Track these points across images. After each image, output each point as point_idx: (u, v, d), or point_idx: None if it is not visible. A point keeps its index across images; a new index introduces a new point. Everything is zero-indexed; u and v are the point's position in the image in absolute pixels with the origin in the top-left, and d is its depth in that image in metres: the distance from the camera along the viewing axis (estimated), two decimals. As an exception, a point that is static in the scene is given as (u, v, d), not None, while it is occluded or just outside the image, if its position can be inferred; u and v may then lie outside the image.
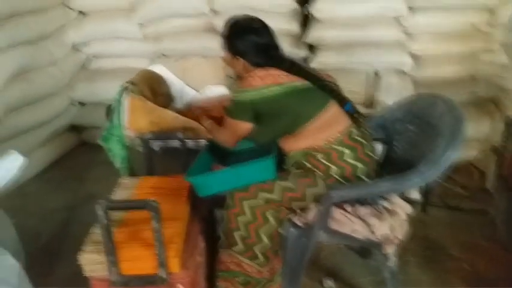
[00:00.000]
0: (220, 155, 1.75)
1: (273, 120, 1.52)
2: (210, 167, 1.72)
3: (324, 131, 1.49)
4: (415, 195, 1.87)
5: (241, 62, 1.58)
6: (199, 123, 1.87)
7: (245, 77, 1.53)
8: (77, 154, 3.12)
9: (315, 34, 2.70)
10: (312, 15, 2.71)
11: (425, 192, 2.17)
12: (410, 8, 2.55)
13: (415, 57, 2.63)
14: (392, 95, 2.39)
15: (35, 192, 2.60)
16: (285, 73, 1.50)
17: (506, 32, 2.15)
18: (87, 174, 2.81)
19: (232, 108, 1.57)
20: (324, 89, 1.52)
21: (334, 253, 1.98)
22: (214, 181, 1.54)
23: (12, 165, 1.34)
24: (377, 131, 1.65)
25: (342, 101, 1.55)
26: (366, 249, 1.93)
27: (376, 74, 2.62)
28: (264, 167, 1.49)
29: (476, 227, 2.16)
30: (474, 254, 1.97)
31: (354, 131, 1.52)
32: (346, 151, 1.48)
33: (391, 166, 1.63)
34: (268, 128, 1.55)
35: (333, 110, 1.52)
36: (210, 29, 2.81)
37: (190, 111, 2.00)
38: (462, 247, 2.02)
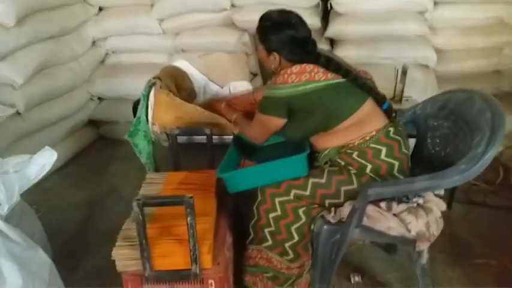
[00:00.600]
0: (247, 150, 1.74)
1: (306, 117, 1.50)
2: (238, 162, 1.72)
3: (360, 129, 1.47)
4: (440, 191, 1.85)
5: (276, 58, 1.54)
6: (224, 117, 1.86)
7: (280, 73, 1.50)
8: (95, 149, 3.14)
9: (335, 28, 2.67)
10: (333, 9, 2.68)
11: (451, 188, 2.16)
12: (435, 3, 2.52)
13: (438, 51, 2.59)
14: (417, 90, 2.36)
15: (56, 187, 2.61)
16: (321, 69, 1.46)
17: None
18: (106, 169, 2.82)
19: (265, 104, 1.55)
20: (361, 87, 1.49)
21: (360, 249, 1.97)
22: (246, 177, 1.54)
23: (47, 161, 1.34)
24: (408, 127, 1.63)
25: (380, 100, 1.53)
26: (392, 245, 1.92)
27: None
28: (296, 164, 1.49)
29: (502, 223, 2.14)
30: (501, 250, 1.95)
31: (391, 129, 1.50)
32: (383, 149, 1.46)
33: (423, 162, 1.61)
34: (300, 125, 1.53)
35: (369, 108, 1.50)
36: (230, 24, 2.80)
37: (214, 105, 1.97)
38: (489, 244, 2.00)
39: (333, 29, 2.67)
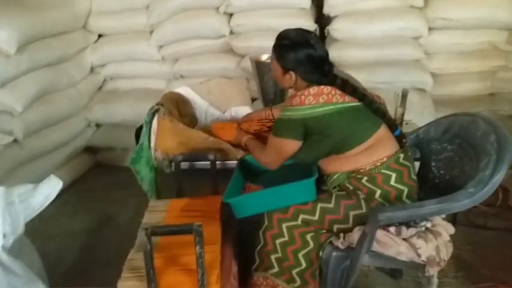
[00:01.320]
0: (251, 173, 1.72)
1: (321, 140, 1.47)
2: (243, 186, 1.70)
3: (372, 154, 1.46)
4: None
5: (292, 77, 1.50)
6: (228, 142, 1.85)
7: (297, 94, 1.46)
8: (92, 176, 3.09)
9: (333, 54, 2.70)
10: (329, 35, 2.73)
11: (453, 211, 2.16)
12: (430, 28, 2.58)
13: (434, 75, 2.64)
14: (414, 113, 2.38)
15: (53, 216, 2.54)
16: (339, 92, 1.45)
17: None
18: (104, 197, 2.77)
19: (280, 126, 1.50)
20: (376, 111, 1.49)
21: (366, 274, 1.94)
22: (254, 202, 1.52)
23: (52, 190, 1.31)
24: (411, 150, 1.64)
25: (392, 125, 1.53)
26: (398, 270, 1.90)
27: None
28: (305, 188, 1.47)
29: (505, 245, 2.13)
30: (507, 273, 1.94)
31: (402, 155, 1.49)
32: (393, 175, 1.45)
33: (428, 185, 1.62)
34: (314, 147, 1.50)
35: (382, 133, 1.49)
36: (229, 50, 2.83)
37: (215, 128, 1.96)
38: (494, 266, 1.99)
39: (330, 55, 2.69)
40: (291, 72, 1.50)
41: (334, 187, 1.54)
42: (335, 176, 1.52)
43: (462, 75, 2.68)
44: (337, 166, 1.52)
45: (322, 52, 1.49)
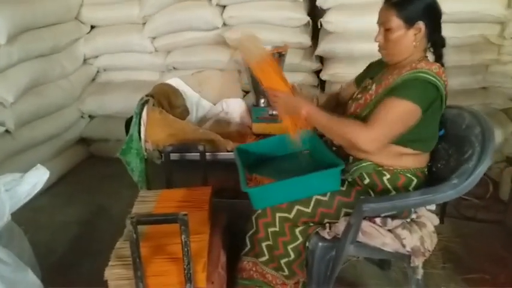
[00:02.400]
0: (248, 164, 1.63)
1: (419, 125, 1.34)
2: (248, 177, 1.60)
3: (416, 160, 1.44)
4: (432, 206, 1.86)
5: (422, 30, 1.34)
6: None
7: (432, 63, 1.34)
8: (85, 167, 3.11)
9: (325, 46, 2.71)
10: (322, 28, 2.73)
11: (442, 203, 2.18)
12: (422, 21, 2.58)
13: (426, 68, 2.64)
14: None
15: (46, 206, 2.57)
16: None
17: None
18: (97, 188, 2.79)
19: (414, 88, 1.29)
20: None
21: (354, 265, 1.96)
22: (276, 192, 1.45)
23: (39, 180, 1.32)
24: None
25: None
26: (386, 261, 1.92)
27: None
28: (331, 177, 1.41)
29: (494, 238, 2.16)
30: (494, 265, 1.96)
31: (427, 167, 1.48)
32: (414, 181, 1.43)
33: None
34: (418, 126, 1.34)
35: None
36: (222, 42, 2.82)
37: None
38: (482, 258, 2.01)
39: (323, 47, 2.71)
40: (420, 24, 1.33)
41: (351, 174, 1.46)
42: (363, 164, 1.43)
43: (455, 68, 2.67)
44: (377, 156, 1.40)
45: (441, 15, 1.38)
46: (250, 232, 1.57)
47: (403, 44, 1.37)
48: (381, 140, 1.30)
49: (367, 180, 1.45)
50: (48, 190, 2.67)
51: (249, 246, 1.59)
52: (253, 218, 1.54)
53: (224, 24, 2.80)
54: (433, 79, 1.29)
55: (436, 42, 1.40)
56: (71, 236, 2.30)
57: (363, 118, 1.40)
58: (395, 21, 1.35)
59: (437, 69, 1.32)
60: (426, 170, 1.49)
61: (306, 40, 2.74)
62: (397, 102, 1.29)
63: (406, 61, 1.40)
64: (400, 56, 1.41)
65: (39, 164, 1.37)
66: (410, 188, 1.43)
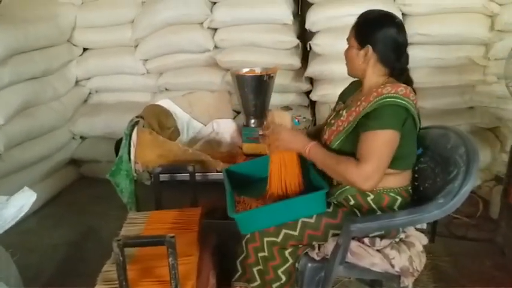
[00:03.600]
0: (236, 185, 1.61)
1: (404, 145, 1.37)
2: (236, 200, 1.60)
3: (398, 180, 1.43)
4: (422, 225, 1.87)
5: (368, 54, 1.40)
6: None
7: (396, 85, 1.36)
8: (76, 188, 3.08)
9: (315, 68, 2.75)
10: (312, 50, 2.77)
11: (433, 222, 2.18)
12: (409, 44, 2.63)
13: (414, 89, 2.68)
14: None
15: (35, 229, 2.54)
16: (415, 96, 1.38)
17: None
18: (87, 209, 2.76)
19: (387, 115, 1.31)
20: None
21: (346, 286, 1.95)
22: (262, 216, 1.44)
23: (26, 202, 1.31)
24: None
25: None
26: (377, 281, 1.91)
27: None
28: (316, 200, 1.41)
29: (485, 256, 2.15)
30: (485, 284, 1.95)
31: (410, 185, 1.49)
32: (398, 200, 1.43)
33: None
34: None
35: None
36: (213, 64, 2.87)
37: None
38: (473, 277, 2.01)
39: (313, 69, 2.76)
40: (369, 47, 1.39)
41: (335, 197, 1.47)
42: (347, 187, 1.43)
43: (442, 89, 2.73)
44: None
45: (403, 38, 1.41)
46: (241, 257, 1.56)
47: (354, 62, 1.46)
48: (375, 176, 1.32)
49: (352, 202, 1.46)
50: (37, 212, 2.65)
51: (240, 271, 1.57)
52: (244, 242, 1.54)
53: (215, 47, 2.85)
54: (400, 101, 1.32)
55: (394, 69, 1.43)
56: (59, 258, 2.27)
57: (337, 150, 1.43)
58: (352, 40, 1.45)
59: (403, 91, 1.34)
60: (410, 188, 1.49)
61: (296, 62, 2.79)
62: (376, 135, 1.32)
63: (369, 84, 1.45)
64: (353, 73, 1.51)
65: (26, 187, 1.36)
66: (395, 207, 1.43)
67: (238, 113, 2.67)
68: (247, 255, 1.52)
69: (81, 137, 3.16)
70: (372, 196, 1.43)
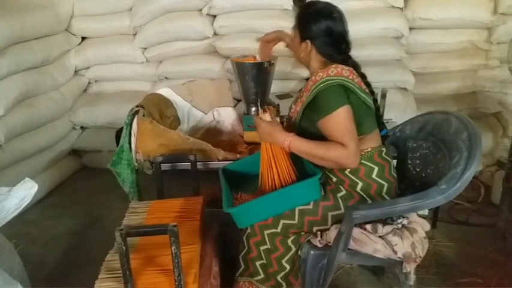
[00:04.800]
0: (234, 183, 1.63)
1: (356, 113, 1.41)
2: (234, 196, 1.61)
3: (360, 144, 1.43)
4: (424, 211, 1.87)
5: (308, 47, 1.48)
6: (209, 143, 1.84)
7: (328, 67, 1.43)
8: (77, 179, 3.09)
9: (316, 54, 2.73)
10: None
11: (435, 208, 2.19)
12: (411, 28, 2.61)
13: (416, 74, 2.67)
14: (397, 112, 2.42)
15: (37, 219, 2.55)
16: (357, 77, 1.44)
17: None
18: (89, 199, 2.77)
19: (332, 96, 1.37)
20: (378, 108, 1.52)
21: (348, 272, 1.96)
22: (258, 208, 1.44)
23: (27, 193, 1.31)
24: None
25: (381, 123, 1.55)
26: (380, 267, 1.92)
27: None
28: (310, 187, 1.42)
29: (486, 241, 2.16)
30: (487, 268, 1.96)
31: (384, 149, 1.50)
32: (375, 168, 1.46)
33: (405, 183, 1.64)
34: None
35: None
36: (213, 52, 2.84)
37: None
38: (475, 262, 2.02)
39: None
40: (308, 42, 1.48)
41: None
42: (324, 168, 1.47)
43: (443, 74, 2.71)
44: None
45: (341, 29, 1.47)
46: (243, 252, 1.57)
47: (298, 53, 1.55)
48: (356, 149, 1.36)
49: (334, 179, 1.49)
50: (39, 202, 2.66)
51: (243, 266, 1.58)
52: (244, 237, 1.55)
53: (215, 34, 2.81)
54: (332, 81, 1.38)
55: (335, 58, 1.48)
56: (62, 248, 2.28)
57: (297, 131, 1.49)
58: (295, 30, 1.54)
59: (334, 71, 1.40)
60: (384, 151, 1.50)
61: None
62: (335, 117, 1.36)
63: (313, 72, 1.50)
64: (299, 62, 1.60)
65: (27, 178, 1.36)
66: (374, 176, 1.45)
67: (238, 101, 2.65)
68: (249, 249, 1.54)
69: (82, 127, 3.15)
70: (348, 169, 1.46)
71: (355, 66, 1.50)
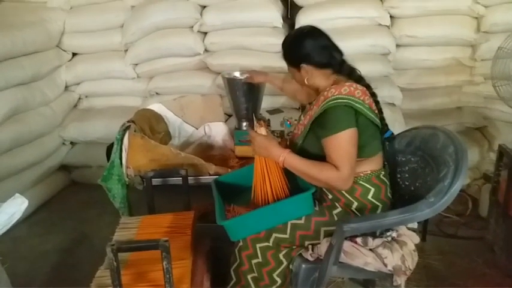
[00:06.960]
0: (226, 195, 1.63)
1: (361, 136, 1.42)
2: (226, 209, 1.60)
3: (359, 166, 1.45)
4: (414, 224, 1.88)
5: (306, 69, 1.49)
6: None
7: (341, 85, 1.42)
8: (67, 194, 3.06)
9: (305, 70, 2.77)
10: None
11: (424, 221, 2.21)
12: (397, 45, 2.67)
13: (403, 90, 2.72)
14: (385, 127, 2.45)
15: (25, 235, 2.51)
16: (368, 94, 1.45)
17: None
18: (78, 215, 2.74)
19: (340, 117, 1.37)
20: (383, 128, 1.53)
21: (339, 286, 1.96)
22: (251, 221, 1.44)
23: (17, 210, 1.30)
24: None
25: (383, 142, 1.56)
26: (371, 281, 1.92)
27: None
28: (303, 202, 1.43)
29: (475, 254, 2.19)
30: (477, 281, 1.99)
31: (383, 172, 1.52)
32: (372, 190, 1.46)
33: (395, 197, 1.65)
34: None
35: None
36: (204, 68, 2.87)
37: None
38: (464, 275, 2.04)
39: (303, 71, 2.77)
40: (303, 65, 1.50)
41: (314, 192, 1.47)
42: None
43: (430, 89, 2.77)
44: None
45: (323, 40, 1.50)
46: (235, 265, 1.57)
47: (302, 81, 1.55)
48: (350, 174, 1.37)
49: (330, 196, 1.50)
50: (28, 218, 2.62)
51: (234, 279, 1.58)
52: (236, 250, 1.55)
53: (206, 50, 2.85)
54: (342, 101, 1.38)
55: (334, 66, 1.50)
56: (51, 265, 2.25)
57: (300, 148, 1.52)
58: (290, 68, 1.59)
59: (347, 90, 1.41)
60: (382, 173, 1.51)
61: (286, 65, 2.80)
62: (338, 138, 1.37)
63: (321, 89, 1.51)
64: (310, 89, 1.59)
65: (17, 194, 1.35)
66: (369, 197, 1.46)
67: (229, 116, 2.67)
68: (241, 263, 1.54)
69: (72, 143, 3.13)
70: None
71: (368, 85, 1.51)
